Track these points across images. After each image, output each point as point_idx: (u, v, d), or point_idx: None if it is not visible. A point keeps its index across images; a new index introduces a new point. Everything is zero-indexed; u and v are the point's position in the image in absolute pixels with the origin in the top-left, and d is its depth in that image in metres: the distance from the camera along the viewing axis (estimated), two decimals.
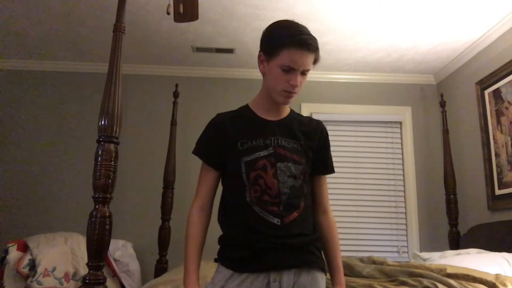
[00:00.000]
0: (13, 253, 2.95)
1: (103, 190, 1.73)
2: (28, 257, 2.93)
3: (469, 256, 2.63)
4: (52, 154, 3.92)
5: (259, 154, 1.32)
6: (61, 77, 4.07)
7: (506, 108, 3.21)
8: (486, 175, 3.39)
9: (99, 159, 1.75)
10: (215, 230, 1.39)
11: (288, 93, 1.32)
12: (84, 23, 3.34)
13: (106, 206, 1.73)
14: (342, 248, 1.47)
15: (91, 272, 1.67)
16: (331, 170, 1.47)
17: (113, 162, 1.76)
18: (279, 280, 1.24)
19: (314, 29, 1.41)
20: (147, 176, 3.88)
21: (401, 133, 4.15)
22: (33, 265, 2.92)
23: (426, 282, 1.86)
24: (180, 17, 2.24)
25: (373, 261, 2.39)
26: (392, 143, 4.14)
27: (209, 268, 1.84)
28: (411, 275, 2.01)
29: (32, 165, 3.88)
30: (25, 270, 2.89)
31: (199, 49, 3.77)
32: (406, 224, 3.97)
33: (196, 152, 1.40)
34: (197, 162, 1.40)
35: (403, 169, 4.07)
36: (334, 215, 1.46)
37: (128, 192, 3.80)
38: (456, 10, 3.08)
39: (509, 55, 3.18)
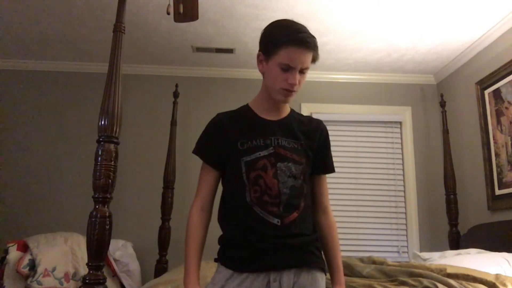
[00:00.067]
0: (13, 253, 2.95)
1: (103, 190, 1.73)
2: (28, 257, 2.93)
3: (469, 256, 2.63)
4: (52, 154, 3.92)
5: (259, 154, 1.32)
6: (61, 77, 4.07)
7: (506, 108, 3.21)
8: (486, 175, 3.39)
9: (99, 159, 1.75)
10: (215, 230, 1.39)
11: (288, 92, 1.32)
12: (84, 23, 3.34)
13: (106, 206, 1.73)
14: (342, 248, 1.47)
15: (91, 272, 1.67)
16: (332, 170, 1.47)
17: (113, 162, 1.76)
18: (279, 280, 1.24)
19: (314, 29, 1.41)
20: (147, 176, 3.88)
21: (401, 133, 4.15)
22: (33, 265, 2.92)
23: (426, 282, 1.86)
24: (180, 17, 2.24)
25: (373, 261, 2.39)
26: (392, 143, 4.14)
27: (209, 268, 1.84)
28: (411, 275, 2.01)
29: (32, 165, 3.88)
30: (25, 270, 2.89)
31: (199, 49, 3.77)
32: (406, 224, 3.97)
33: (196, 152, 1.40)
34: (197, 162, 1.40)
35: (403, 169, 4.07)
36: (334, 215, 1.46)
37: (128, 192, 3.81)
38: (456, 10, 3.08)
39: (509, 55, 3.18)
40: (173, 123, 3.62)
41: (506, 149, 3.20)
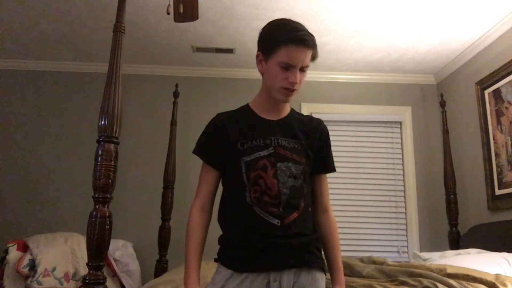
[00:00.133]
0: (13, 253, 2.95)
1: (103, 190, 1.73)
2: (28, 257, 2.93)
3: (469, 256, 2.63)
4: (52, 154, 3.92)
5: (259, 154, 1.32)
6: (61, 77, 4.07)
7: (506, 108, 3.21)
8: (486, 175, 3.39)
9: (99, 159, 1.75)
10: (215, 230, 1.39)
11: (288, 91, 1.32)
12: (84, 23, 3.34)
13: (106, 206, 1.73)
14: (342, 248, 1.47)
15: (91, 272, 1.67)
16: (332, 169, 1.47)
17: (113, 162, 1.76)
18: (279, 280, 1.24)
19: (314, 29, 1.41)
20: (147, 176, 3.88)
21: (401, 133, 4.15)
22: (33, 265, 2.92)
23: (426, 282, 1.86)
24: (180, 17, 2.24)
25: (373, 261, 2.39)
26: (392, 143, 4.14)
27: (209, 268, 1.84)
28: (411, 275, 2.01)
29: (32, 165, 3.88)
30: (25, 270, 2.89)
31: (199, 49, 3.77)
32: (406, 224, 3.97)
33: (196, 152, 1.40)
34: (197, 162, 1.40)
35: (403, 169, 4.07)
36: (334, 215, 1.46)
37: (128, 192, 3.81)
38: (456, 10, 3.08)
39: (509, 55, 3.18)
40: (173, 123, 3.62)
41: (506, 149, 3.20)
